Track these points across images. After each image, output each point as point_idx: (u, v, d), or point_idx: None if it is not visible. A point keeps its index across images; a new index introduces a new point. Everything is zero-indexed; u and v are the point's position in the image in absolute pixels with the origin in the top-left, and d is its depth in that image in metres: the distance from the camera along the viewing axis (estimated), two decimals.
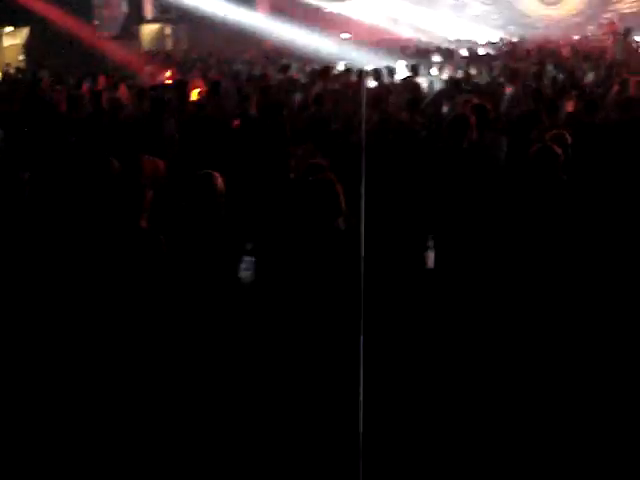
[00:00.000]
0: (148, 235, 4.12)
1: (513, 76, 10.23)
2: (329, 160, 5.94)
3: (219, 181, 4.38)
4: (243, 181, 5.80)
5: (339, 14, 25.79)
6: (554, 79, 10.99)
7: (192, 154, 6.64)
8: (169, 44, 23.38)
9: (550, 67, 12.63)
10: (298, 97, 9.41)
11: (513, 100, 9.22)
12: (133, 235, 4.08)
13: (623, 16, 22.86)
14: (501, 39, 21.70)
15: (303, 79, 11.51)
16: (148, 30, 23.07)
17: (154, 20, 23.46)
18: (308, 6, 24.42)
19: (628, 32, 16.30)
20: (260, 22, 20.87)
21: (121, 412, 3.96)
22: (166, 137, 6.54)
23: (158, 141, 6.11)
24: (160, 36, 23.41)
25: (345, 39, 21.69)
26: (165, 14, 23.91)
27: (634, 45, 16.85)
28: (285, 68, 12.46)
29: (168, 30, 23.81)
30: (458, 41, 21.24)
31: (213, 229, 4.31)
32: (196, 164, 5.50)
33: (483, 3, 28.41)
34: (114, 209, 4.12)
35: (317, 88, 9.88)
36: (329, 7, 26.35)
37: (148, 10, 23.36)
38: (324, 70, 10.92)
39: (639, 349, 4.67)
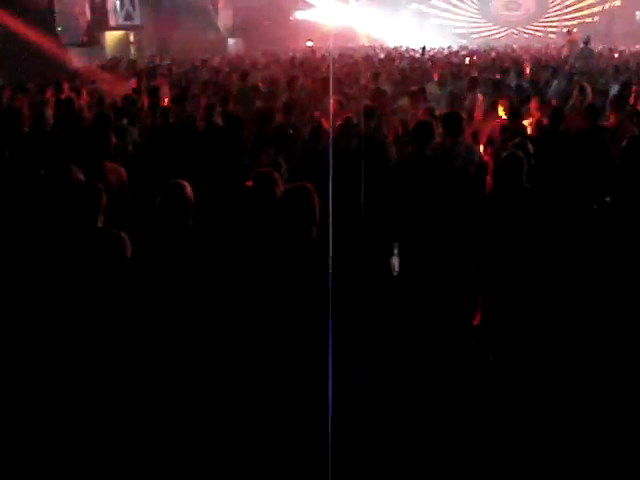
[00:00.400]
0: (105, 234, 4.17)
1: (472, 85, 10.30)
2: (295, 167, 5.98)
3: (188, 190, 4.36)
4: (212, 189, 5.79)
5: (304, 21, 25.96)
6: (517, 87, 11.13)
7: (156, 162, 6.60)
8: (133, 51, 23.22)
9: (513, 76, 12.79)
10: (259, 105, 9.41)
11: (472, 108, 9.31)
12: (90, 234, 4.14)
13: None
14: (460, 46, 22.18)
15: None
16: (112, 37, 22.90)
17: (118, 27, 23.31)
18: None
19: (589, 41, 16.53)
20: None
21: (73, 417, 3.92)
22: (116, 147, 6.49)
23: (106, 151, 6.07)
24: (124, 43, 23.25)
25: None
26: (129, 21, 23.79)
27: (594, 54, 17.14)
28: (244, 75, 12.43)
29: (132, 37, 23.67)
30: (422, 49, 21.54)
31: (181, 238, 4.29)
32: (159, 173, 5.47)
33: (448, 11, 28.87)
34: (69, 210, 4.19)
35: (283, 97, 9.88)
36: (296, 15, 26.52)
37: (112, 17, 23.20)
38: (290, 79, 10.92)
39: (596, 360, 4.75)
